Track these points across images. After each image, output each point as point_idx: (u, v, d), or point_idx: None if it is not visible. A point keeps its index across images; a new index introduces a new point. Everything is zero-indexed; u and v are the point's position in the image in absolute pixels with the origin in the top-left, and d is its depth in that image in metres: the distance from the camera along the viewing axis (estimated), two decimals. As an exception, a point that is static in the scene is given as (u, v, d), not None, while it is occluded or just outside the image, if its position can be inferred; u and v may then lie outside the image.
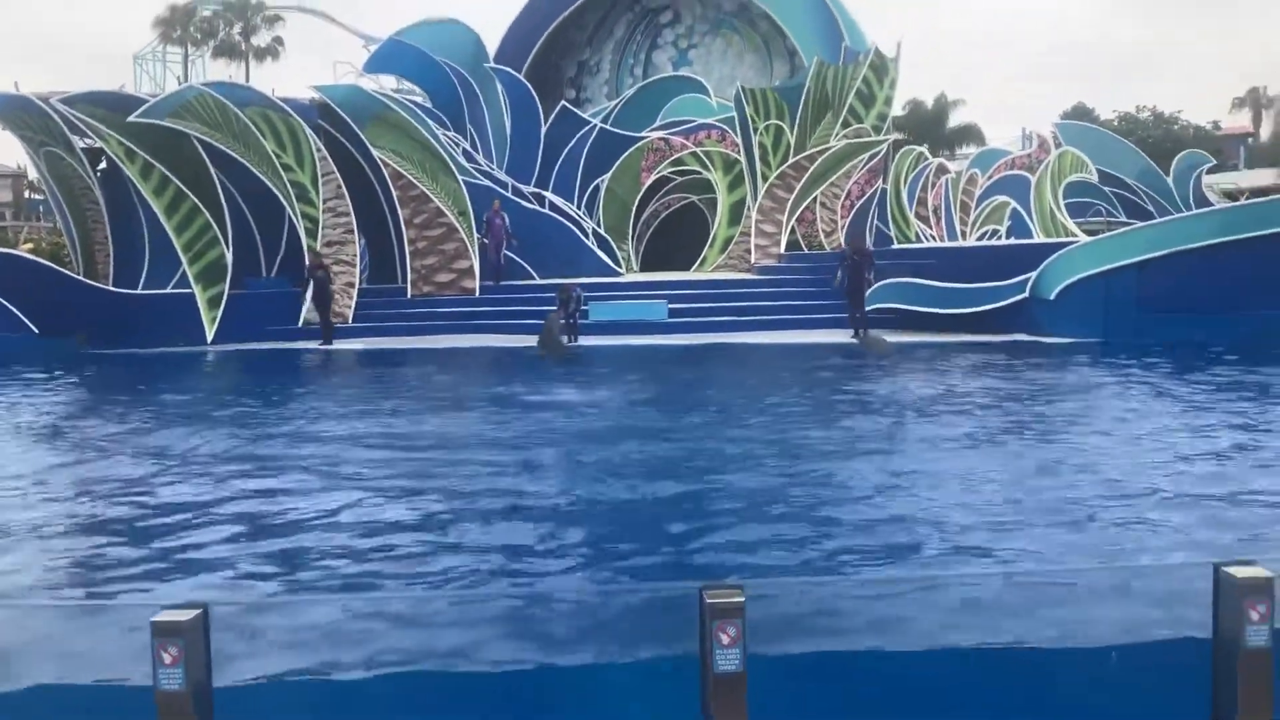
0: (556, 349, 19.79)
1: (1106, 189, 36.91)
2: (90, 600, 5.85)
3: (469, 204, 23.71)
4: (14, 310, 21.05)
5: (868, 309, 21.25)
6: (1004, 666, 5.11)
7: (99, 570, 6.56)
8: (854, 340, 20.48)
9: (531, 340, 20.31)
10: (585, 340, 21.11)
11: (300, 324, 22.35)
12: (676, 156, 27.61)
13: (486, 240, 23.82)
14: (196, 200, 22.00)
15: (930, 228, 30.00)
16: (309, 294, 22.23)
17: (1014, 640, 5.28)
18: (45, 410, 13.87)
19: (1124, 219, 34.31)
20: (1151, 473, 8.74)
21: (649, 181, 27.83)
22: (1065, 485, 8.39)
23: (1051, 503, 7.81)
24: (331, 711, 4.50)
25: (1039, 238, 29.83)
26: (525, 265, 24.55)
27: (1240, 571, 4.49)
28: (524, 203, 25.01)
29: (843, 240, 25.40)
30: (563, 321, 21.02)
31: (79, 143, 22.84)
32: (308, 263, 22.32)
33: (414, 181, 23.61)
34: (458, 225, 23.72)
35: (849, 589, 5.70)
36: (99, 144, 22.35)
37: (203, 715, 4.18)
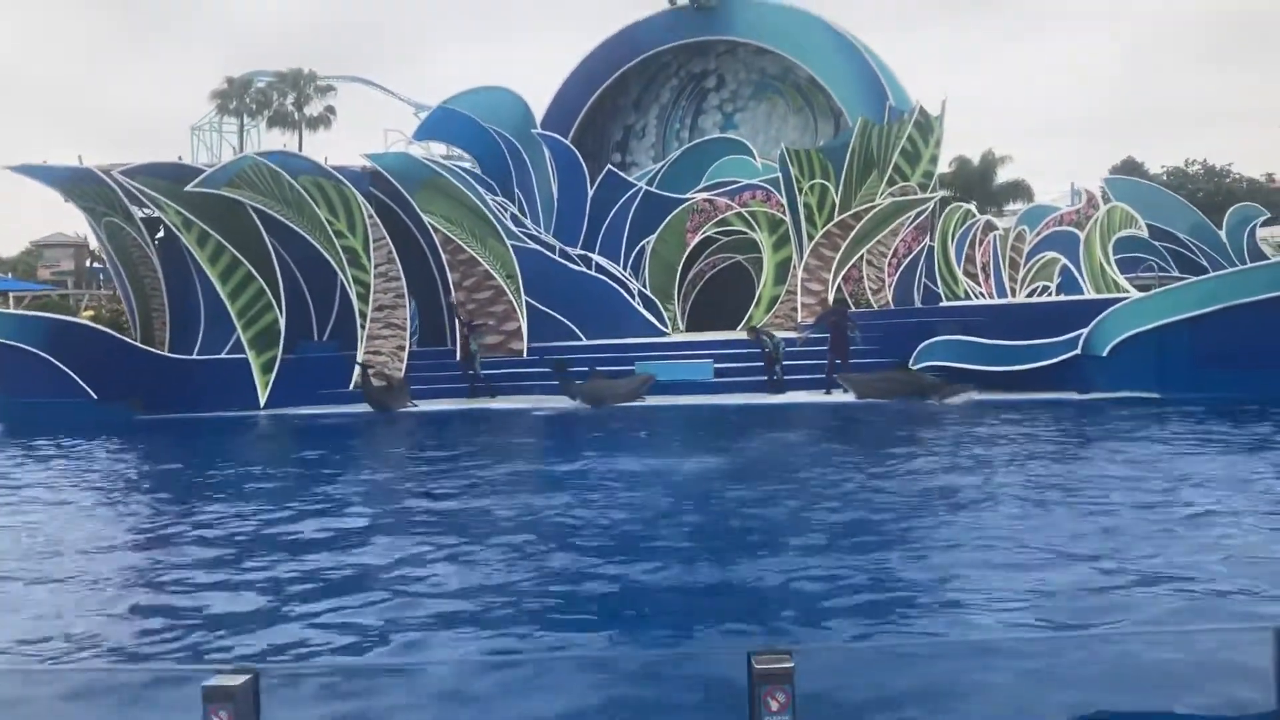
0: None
1: (1158, 244, 36.55)
2: (149, 665, 5.89)
3: (517, 267, 23.99)
4: (73, 376, 21.53)
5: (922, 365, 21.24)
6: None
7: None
8: (828, 394, 21.32)
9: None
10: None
11: (351, 387, 22.60)
12: (721, 217, 27.78)
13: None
14: (250, 267, 22.48)
15: (979, 285, 29.81)
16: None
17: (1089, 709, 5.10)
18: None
19: (1176, 274, 33.91)
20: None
21: (694, 242, 28.00)
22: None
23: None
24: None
25: (1090, 294, 29.51)
26: (572, 326, 24.69)
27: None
28: (571, 265, 25.23)
29: (882, 297, 25.35)
30: (770, 360, 22.15)
31: (138, 213, 23.48)
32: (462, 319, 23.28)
33: (463, 246, 23.94)
34: (506, 288, 23.98)
35: (900, 653, 5.59)
36: (157, 213, 22.96)
37: (252, 782, 4.18)
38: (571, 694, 5.26)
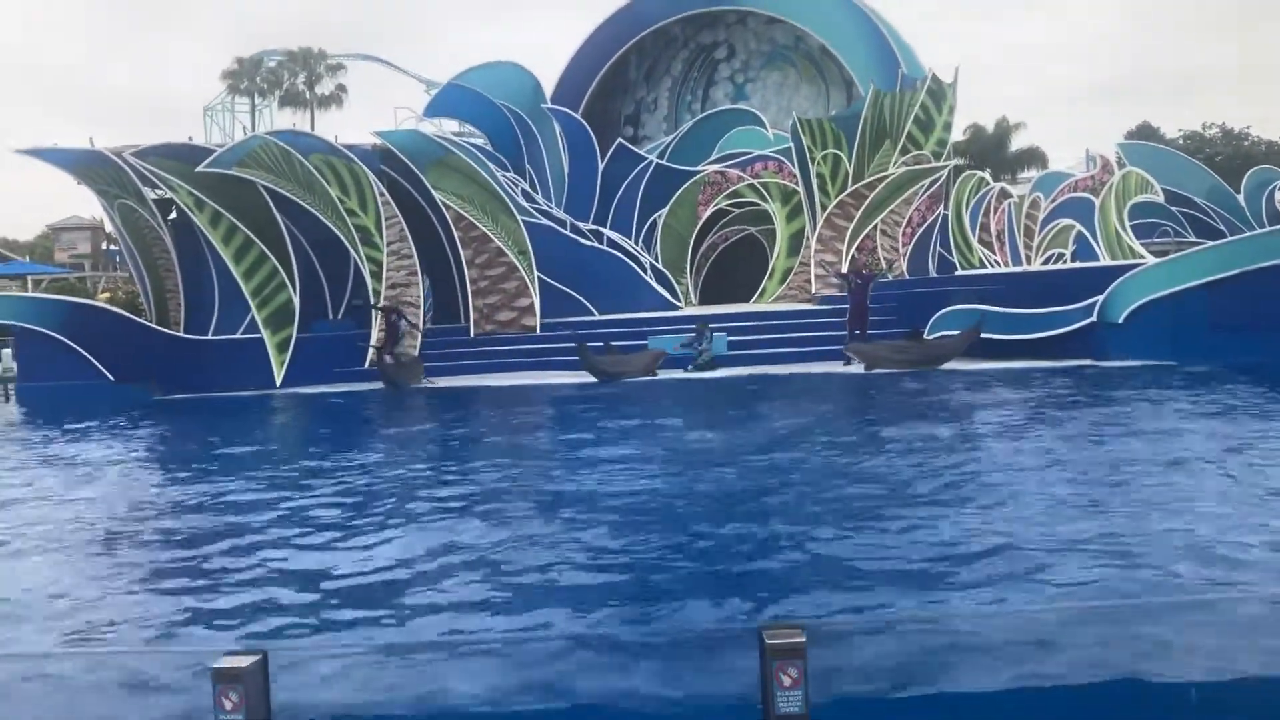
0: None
1: (1174, 209, 36.22)
2: (155, 648, 5.92)
3: (529, 243, 23.97)
4: (90, 358, 21.66)
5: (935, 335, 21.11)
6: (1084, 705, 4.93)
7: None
8: (847, 366, 20.61)
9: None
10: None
11: (366, 365, 22.67)
12: (733, 189, 27.65)
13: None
14: (263, 246, 22.52)
15: (994, 253, 29.63)
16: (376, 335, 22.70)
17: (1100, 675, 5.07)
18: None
19: (1192, 239, 33.60)
20: None
21: (706, 215, 27.89)
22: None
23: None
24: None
25: (1105, 260, 29.30)
26: (585, 302, 24.67)
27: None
28: (582, 240, 25.17)
29: (904, 267, 25.22)
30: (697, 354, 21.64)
31: (150, 194, 23.50)
32: (380, 306, 22.78)
33: (475, 223, 23.92)
34: (518, 264, 23.96)
35: (912, 628, 5.57)
36: (169, 195, 22.99)
37: (264, 761, 4.19)
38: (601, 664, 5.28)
